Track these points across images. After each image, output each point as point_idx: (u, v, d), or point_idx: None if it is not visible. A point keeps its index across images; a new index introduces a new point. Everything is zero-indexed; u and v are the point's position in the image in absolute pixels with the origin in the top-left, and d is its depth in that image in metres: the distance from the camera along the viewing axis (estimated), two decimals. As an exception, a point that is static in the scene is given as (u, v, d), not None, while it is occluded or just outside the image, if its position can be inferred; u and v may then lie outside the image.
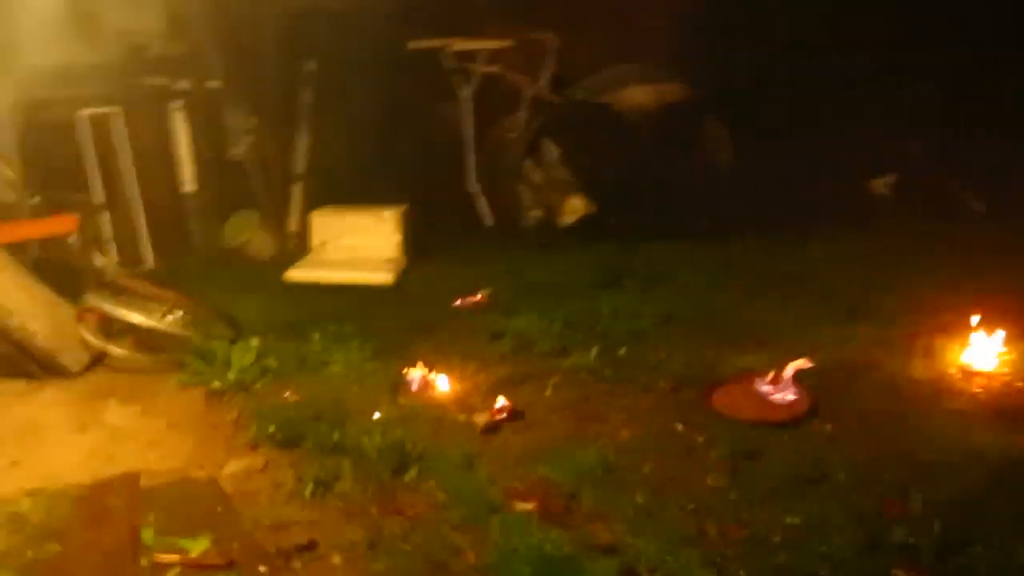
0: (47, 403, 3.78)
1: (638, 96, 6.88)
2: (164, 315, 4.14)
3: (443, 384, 3.80)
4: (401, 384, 3.81)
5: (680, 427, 3.43)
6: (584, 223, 6.37)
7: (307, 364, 4.05)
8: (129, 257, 6.16)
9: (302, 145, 6.67)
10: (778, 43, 6.59)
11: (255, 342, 4.08)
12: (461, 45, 6.47)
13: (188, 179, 6.43)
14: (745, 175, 6.66)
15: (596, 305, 4.65)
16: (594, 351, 4.03)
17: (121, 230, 6.18)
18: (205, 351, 4.02)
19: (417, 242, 6.17)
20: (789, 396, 3.60)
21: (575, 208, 6.37)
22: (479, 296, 4.99)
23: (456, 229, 6.57)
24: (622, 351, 4.07)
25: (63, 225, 4.78)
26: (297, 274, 5.60)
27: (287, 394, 3.74)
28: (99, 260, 5.72)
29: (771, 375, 3.68)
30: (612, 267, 5.28)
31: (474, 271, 5.54)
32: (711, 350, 4.06)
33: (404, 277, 5.63)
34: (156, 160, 6.36)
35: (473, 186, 6.79)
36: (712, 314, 4.50)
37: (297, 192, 6.59)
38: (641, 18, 7.22)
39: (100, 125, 6.14)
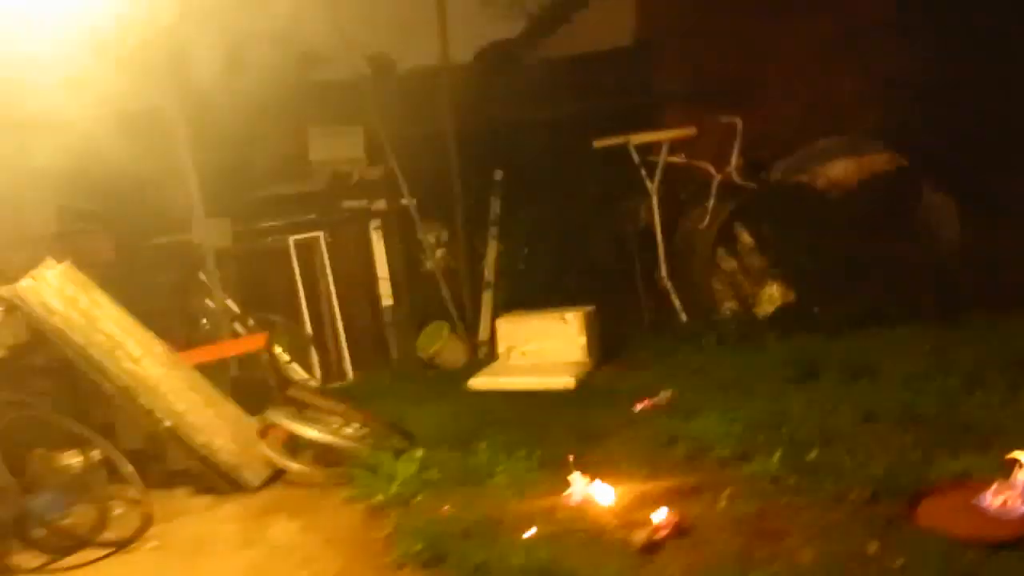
0: (223, 519, 3.92)
1: (838, 171, 6.37)
2: (338, 429, 4.21)
3: (605, 496, 3.51)
4: (562, 497, 3.57)
5: (875, 547, 2.90)
6: (782, 313, 5.88)
7: (471, 476, 3.92)
8: (331, 371, 6.49)
9: (491, 253, 6.77)
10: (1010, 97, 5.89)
11: (420, 454, 4.04)
12: (641, 139, 6.33)
13: (385, 294, 6.71)
14: (975, 250, 5.90)
15: (786, 403, 4.17)
16: (777, 456, 3.57)
17: (324, 345, 6.54)
18: (372, 464, 4.02)
19: (605, 342, 5.99)
20: (1019, 508, 2.96)
21: (771, 297, 5.91)
22: (660, 398, 4.67)
23: (647, 327, 6.32)
24: (811, 455, 3.58)
25: (253, 343, 5.08)
26: (479, 382, 5.57)
27: (444, 508, 3.61)
28: (299, 374, 6.04)
29: (995, 483, 3.06)
30: (809, 360, 4.76)
31: (660, 370, 5.27)
32: (918, 452, 3.46)
33: (587, 380, 5.43)
34: (357, 278, 6.73)
35: (665, 281, 6.49)
36: (922, 409, 3.87)
37: (487, 300, 6.65)
38: (846, 86, 6.78)
39: (306, 249, 6.61)
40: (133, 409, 4.01)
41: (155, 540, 3.79)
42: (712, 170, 6.38)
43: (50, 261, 4.06)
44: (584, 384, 5.36)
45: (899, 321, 5.16)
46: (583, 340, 5.80)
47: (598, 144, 6.51)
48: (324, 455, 4.34)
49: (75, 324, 3.89)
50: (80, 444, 4.09)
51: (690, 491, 3.48)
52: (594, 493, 3.53)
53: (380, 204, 6.79)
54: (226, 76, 6.44)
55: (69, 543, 3.68)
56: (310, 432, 4.15)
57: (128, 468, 3.96)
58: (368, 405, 5.23)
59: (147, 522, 3.85)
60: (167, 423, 4.02)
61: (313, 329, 6.52)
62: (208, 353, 4.72)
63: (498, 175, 6.91)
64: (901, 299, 5.46)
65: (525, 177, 6.88)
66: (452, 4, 6.84)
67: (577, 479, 3.56)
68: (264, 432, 4.24)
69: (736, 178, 6.40)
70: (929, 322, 5.07)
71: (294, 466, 4.18)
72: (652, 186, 6.46)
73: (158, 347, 4.16)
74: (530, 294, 6.49)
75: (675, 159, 6.42)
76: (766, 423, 3.96)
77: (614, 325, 6.21)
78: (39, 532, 3.73)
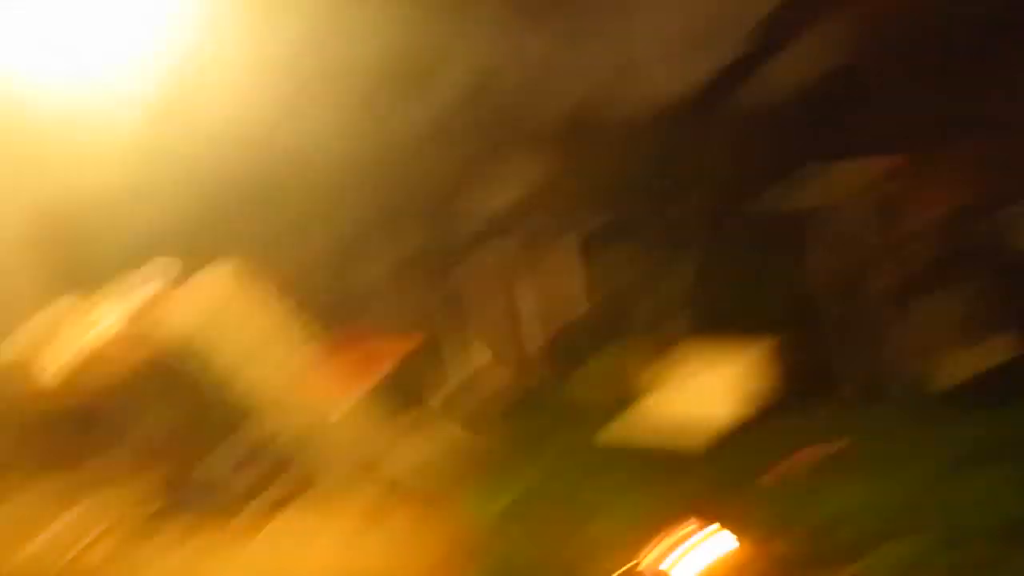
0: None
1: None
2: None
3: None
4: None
5: None
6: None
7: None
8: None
9: (682, 280, 6.46)
10: None
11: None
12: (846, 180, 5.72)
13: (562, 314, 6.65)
14: None
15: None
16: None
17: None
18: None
19: (790, 384, 5.50)
20: None
21: (971, 357, 5.13)
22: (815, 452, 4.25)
23: (836, 376, 5.70)
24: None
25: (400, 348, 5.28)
26: (621, 425, 5.35)
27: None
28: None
29: None
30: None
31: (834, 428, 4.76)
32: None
33: (737, 432, 5.02)
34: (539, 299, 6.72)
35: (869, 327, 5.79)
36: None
37: (671, 332, 6.34)
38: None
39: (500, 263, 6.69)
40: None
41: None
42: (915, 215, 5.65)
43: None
44: (743, 430, 4.97)
45: None
46: (745, 384, 5.39)
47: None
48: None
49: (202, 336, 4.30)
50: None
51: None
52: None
53: (580, 220, 6.70)
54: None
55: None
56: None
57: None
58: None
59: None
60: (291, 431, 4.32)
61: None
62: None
63: (695, 194, 6.57)
64: None
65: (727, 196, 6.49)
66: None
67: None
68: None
69: (940, 226, 5.60)
70: None
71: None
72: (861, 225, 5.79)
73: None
74: (720, 327, 6.12)
75: (885, 187, 5.72)
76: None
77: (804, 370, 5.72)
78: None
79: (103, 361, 4.37)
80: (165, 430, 4.34)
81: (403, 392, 5.06)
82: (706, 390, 5.45)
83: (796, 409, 5.04)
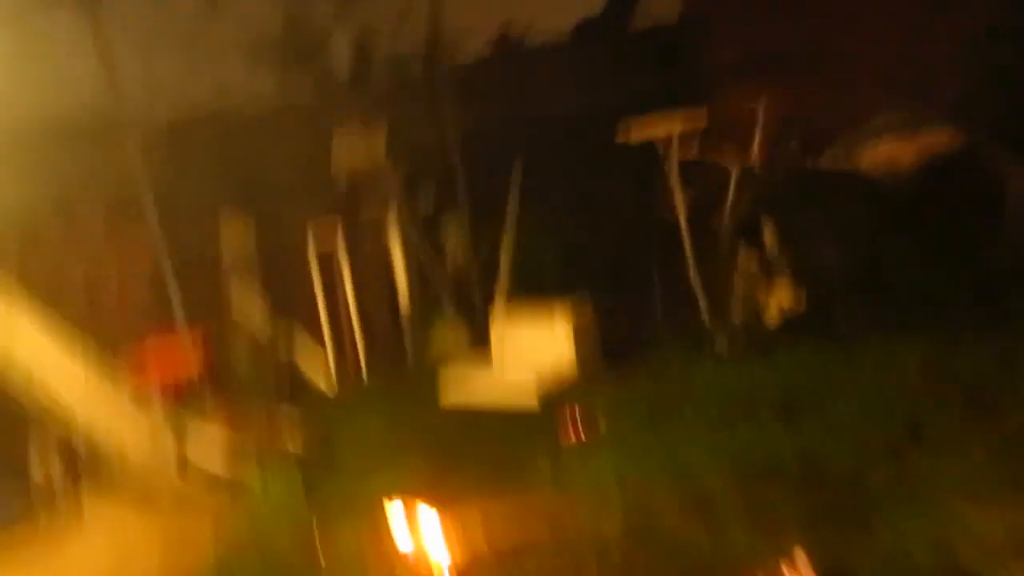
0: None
1: (887, 153, 5.49)
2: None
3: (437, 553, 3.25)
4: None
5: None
6: (798, 320, 5.16)
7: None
8: (347, 371, 6.50)
9: (506, 249, 6.47)
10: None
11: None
12: (640, 134, 5.70)
13: (403, 291, 6.62)
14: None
15: (699, 449, 3.66)
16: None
17: (341, 345, 6.56)
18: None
19: (609, 341, 5.57)
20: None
21: (778, 303, 5.21)
22: (590, 428, 4.29)
23: (660, 327, 5.76)
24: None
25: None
26: (451, 396, 5.35)
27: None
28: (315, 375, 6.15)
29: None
30: (782, 384, 4.14)
31: (636, 386, 4.82)
32: (789, 525, 2.90)
33: (558, 395, 5.05)
34: (376, 280, 6.68)
35: (693, 279, 5.86)
36: (834, 466, 3.25)
37: (499, 296, 6.37)
38: (927, 49, 5.81)
39: (326, 254, 6.62)
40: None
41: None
42: (728, 161, 5.66)
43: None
44: (551, 401, 4.99)
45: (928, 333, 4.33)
46: (571, 344, 5.43)
47: (617, 137, 5.96)
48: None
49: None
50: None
51: (516, 555, 3.13)
52: (428, 548, 3.27)
53: (399, 201, 6.65)
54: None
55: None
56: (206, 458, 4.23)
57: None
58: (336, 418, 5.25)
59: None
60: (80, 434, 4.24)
61: (332, 332, 6.56)
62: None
63: (517, 167, 6.58)
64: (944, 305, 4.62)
65: (548, 170, 6.53)
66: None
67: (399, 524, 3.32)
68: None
69: (758, 168, 5.65)
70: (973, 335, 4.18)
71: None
72: (672, 180, 5.82)
73: (80, 368, 4.35)
74: (545, 289, 6.17)
75: (684, 153, 5.72)
76: (658, 475, 3.50)
77: (629, 322, 5.79)
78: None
79: None
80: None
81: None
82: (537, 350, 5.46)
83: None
